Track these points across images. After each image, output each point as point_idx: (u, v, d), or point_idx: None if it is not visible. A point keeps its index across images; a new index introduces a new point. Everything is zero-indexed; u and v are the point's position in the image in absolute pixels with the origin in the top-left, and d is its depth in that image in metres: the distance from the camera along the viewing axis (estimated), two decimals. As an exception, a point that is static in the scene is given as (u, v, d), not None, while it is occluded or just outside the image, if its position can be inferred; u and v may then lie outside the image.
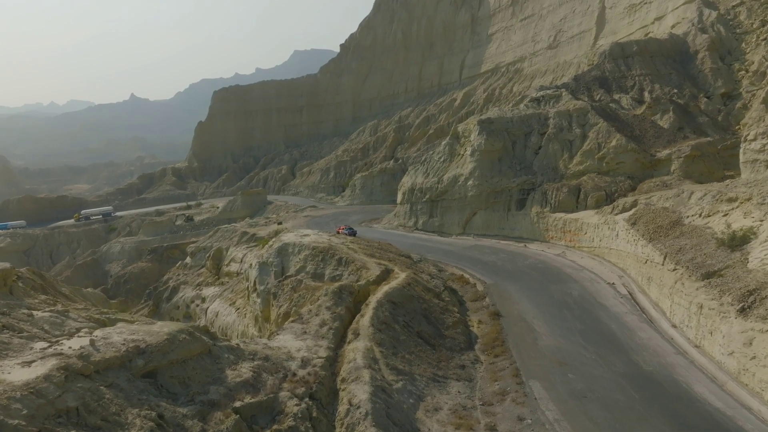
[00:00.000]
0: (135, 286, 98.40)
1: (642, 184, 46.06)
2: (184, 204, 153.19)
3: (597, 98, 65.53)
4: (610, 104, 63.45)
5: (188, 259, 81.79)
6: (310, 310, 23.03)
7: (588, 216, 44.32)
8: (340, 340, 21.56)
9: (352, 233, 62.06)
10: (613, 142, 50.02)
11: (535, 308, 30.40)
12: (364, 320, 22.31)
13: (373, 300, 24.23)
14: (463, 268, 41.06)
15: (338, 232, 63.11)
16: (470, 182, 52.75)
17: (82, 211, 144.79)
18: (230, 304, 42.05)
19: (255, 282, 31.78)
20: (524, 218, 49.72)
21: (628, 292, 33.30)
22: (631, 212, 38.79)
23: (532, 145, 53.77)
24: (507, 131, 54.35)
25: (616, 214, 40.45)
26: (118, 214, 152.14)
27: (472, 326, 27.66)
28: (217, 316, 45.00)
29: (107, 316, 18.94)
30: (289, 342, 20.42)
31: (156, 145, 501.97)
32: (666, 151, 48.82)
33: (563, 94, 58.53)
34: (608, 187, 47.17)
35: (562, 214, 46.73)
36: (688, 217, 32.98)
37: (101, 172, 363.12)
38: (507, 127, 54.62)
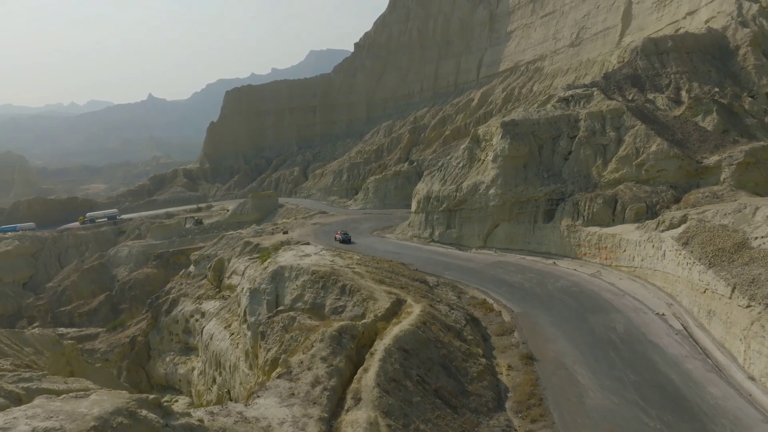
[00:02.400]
0: (139, 292, 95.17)
1: (688, 196, 40.76)
2: (194, 206, 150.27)
3: (630, 98, 60.07)
4: (645, 105, 58.05)
5: (191, 268, 78.06)
6: (302, 362, 18.51)
7: (627, 231, 39.19)
8: (336, 405, 17.00)
9: (346, 240, 57.24)
10: (653, 147, 44.75)
11: (574, 348, 25.52)
12: (368, 377, 17.72)
13: (380, 347, 19.63)
14: (485, 291, 36.27)
15: (335, 238, 58.93)
16: (492, 191, 47.87)
17: (87, 214, 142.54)
18: (225, 327, 37.75)
19: (245, 312, 27.44)
20: (553, 232, 44.68)
21: (683, 326, 28.24)
22: (680, 229, 33.63)
23: (561, 149, 48.69)
24: (533, 134, 49.35)
25: (662, 231, 35.30)
26: (129, 216, 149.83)
27: (501, 373, 22.92)
28: (212, 338, 40.68)
29: (26, 386, 14.59)
30: (271, 410, 15.92)
31: (172, 145, 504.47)
32: (714, 158, 43.40)
33: (595, 93, 53.29)
34: (649, 198, 41.96)
35: (596, 229, 41.63)
36: (756, 238, 27.81)
37: (117, 171, 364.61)
38: (533, 130, 49.61)
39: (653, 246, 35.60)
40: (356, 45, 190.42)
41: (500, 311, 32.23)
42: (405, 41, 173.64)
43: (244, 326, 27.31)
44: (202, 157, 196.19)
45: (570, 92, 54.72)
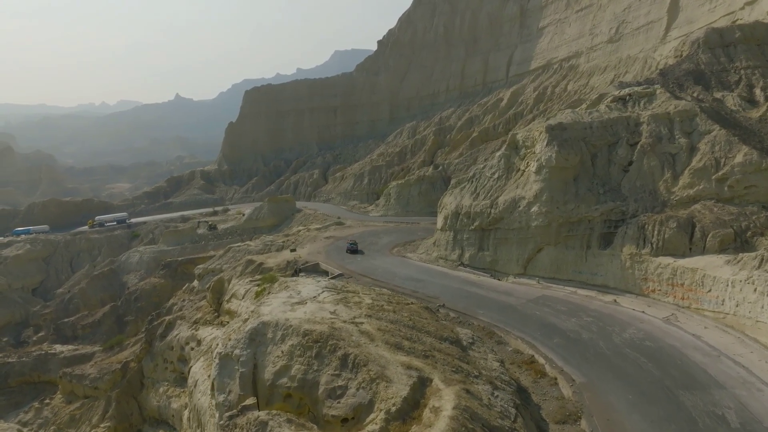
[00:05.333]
0: (146, 304, 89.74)
1: (789, 220, 32.27)
2: (210, 210, 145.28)
3: (696, 97, 51.23)
4: (713, 104, 49.22)
5: (195, 282, 72.00)
6: None
7: (713, 265, 30.89)
8: None
9: (354, 250, 53.72)
10: (739, 158, 36.24)
11: (676, 458, 17.66)
12: None
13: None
14: (531, 342, 28.50)
15: (347, 251, 54.54)
16: (535, 208, 39.91)
17: (96, 218, 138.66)
18: (208, 376, 30.67)
19: (213, 385, 20.35)
20: (611, 261, 36.53)
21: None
22: (797, 271, 25.37)
23: (619, 159, 40.44)
24: (584, 141, 41.20)
25: (768, 270, 27.03)
26: (143, 219, 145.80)
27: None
28: (195, 386, 33.47)
29: None
30: None
31: (197, 144, 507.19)
32: (820, 172, 34.71)
33: (658, 91, 44.77)
34: (736, 222, 33.56)
35: (669, 260, 33.38)
36: None
37: (142, 171, 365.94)
38: (584, 136, 41.46)
39: (755, 288, 27.33)
40: (379, 43, 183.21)
41: (555, 378, 24.46)
42: (430, 38, 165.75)
43: (212, 404, 20.35)
44: (220, 158, 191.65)
45: (627, 90, 46.29)
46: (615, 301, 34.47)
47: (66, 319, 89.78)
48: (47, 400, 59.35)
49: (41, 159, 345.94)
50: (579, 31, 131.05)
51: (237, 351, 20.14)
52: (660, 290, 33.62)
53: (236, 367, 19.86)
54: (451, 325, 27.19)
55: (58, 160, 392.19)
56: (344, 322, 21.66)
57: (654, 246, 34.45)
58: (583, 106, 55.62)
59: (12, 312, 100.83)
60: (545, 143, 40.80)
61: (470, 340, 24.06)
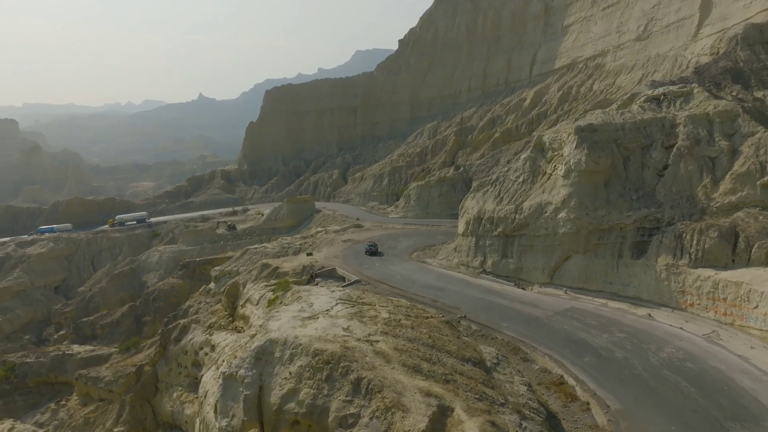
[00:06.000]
0: (164, 304, 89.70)
1: None
2: (230, 209, 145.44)
3: (735, 96, 48.28)
4: (755, 104, 46.27)
5: (212, 284, 71.26)
6: None
7: (760, 279, 28.42)
8: None
9: (373, 252, 53.44)
10: (787, 162, 33.55)
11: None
12: None
13: None
14: (560, 360, 26.48)
15: (366, 252, 54.34)
16: (563, 214, 37.74)
17: (117, 216, 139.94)
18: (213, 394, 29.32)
19: (216, 407, 18.93)
20: (645, 271, 34.19)
21: None
22: None
23: (654, 163, 38.00)
24: (616, 143, 38.85)
25: (825, 288, 24.54)
26: (163, 218, 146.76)
27: None
28: (205, 396, 32.24)
29: None
30: None
31: (219, 143, 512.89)
32: None
33: (695, 90, 42.10)
34: (784, 232, 30.94)
35: (710, 272, 30.95)
36: None
37: (165, 170, 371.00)
38: (616, 138, 39.10)
39: (809, 308, 24.88)
40: (400, 42, 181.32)
41: (588, 403, 22.44)
42: (452, 37, 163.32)
43: (216, 427, 18.93)
44: (240, 158, 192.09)
45: (661, 89, 43.71)
46: (649, 315, 32.15)
47: (85, 318, 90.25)
48: (63, 402, 59.16)
49: (68, 158, 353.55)
50: (605, 29, 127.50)
51: (242, 371, 18.66)
52: (699, 304, 31.21)
53: (240, 389, 18.39)
54: (474, 342, 25.31)
55: (84, 158, 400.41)
56: (358, 340, 20.02)
57: (693, 257, 32.04)
58: (614, 106, 53.02)
59: (34, 310, 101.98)
60: (574, 145, 38.58)
61: (495, 360, 22.19)
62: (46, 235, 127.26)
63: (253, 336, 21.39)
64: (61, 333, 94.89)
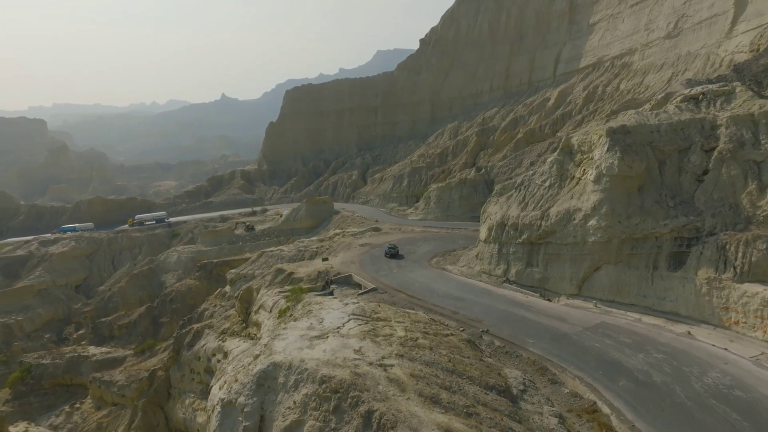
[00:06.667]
0: (181, 306, 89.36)
1: None
2: (249, 210, 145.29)
3: (779, 96, 45.15)
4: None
5: (227, 287, 70.36)
6: None
7: (816, 298, 25.75)
8: None
9: (393, 254, 53.11)
10: (843, 168, 30.67)
11: None
12: None
13: None
14: (592, 384, 24.22)
15: (386, 255, 53.57)
16: (593, 222, 35.35)
17: (136, 216, 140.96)
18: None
19: (215, 437, 17.31)
20: (683, 285, 31.63)
21: None
22: None
23: (692, 167, 35.33)
24: (651, 146, 36.28)
25: None
26: (183, 218, 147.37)
27: None
28: (213, 411, 30.74)
29: None
30: None
31: (241, 143, 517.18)
32: None
33: (737, 89, 39.22)
34: (842, 245, 28.13)
35: (758, 287, 28.30)
36: None
37: (187, 169, 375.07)
38: (651, 140, 36.53)
39: None
40: (421, 41, 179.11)
41: (625, 436, 20.19)
42: (474, 36, 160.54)
43: (214, 459, 17.38)
44: (260, 158, 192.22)
45: (699, 89, 40.88)
46: (689, 333, 29.62)
47: (104, 319, 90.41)
48: (78, 405, 58.73)
49: (94, 157, 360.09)
50: (633, 26, 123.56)
51: (242, 399, 17.01)
52: (746, 323, 28.58)
53: (240, 419, 16.74)
54: (498, 364, 23.25)
55: (109, 157, 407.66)
56: (370, 364, 18.18)
57: (738, 270, 29.41)
58: (647, 105, 50.20)
59: (55, 309, 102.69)
60: (605, 148, 36.14)
61: (521, 387, 20.13)
62: (69, 234, 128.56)
63: (256, 357, 19.72)
64: (80, 332, 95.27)
